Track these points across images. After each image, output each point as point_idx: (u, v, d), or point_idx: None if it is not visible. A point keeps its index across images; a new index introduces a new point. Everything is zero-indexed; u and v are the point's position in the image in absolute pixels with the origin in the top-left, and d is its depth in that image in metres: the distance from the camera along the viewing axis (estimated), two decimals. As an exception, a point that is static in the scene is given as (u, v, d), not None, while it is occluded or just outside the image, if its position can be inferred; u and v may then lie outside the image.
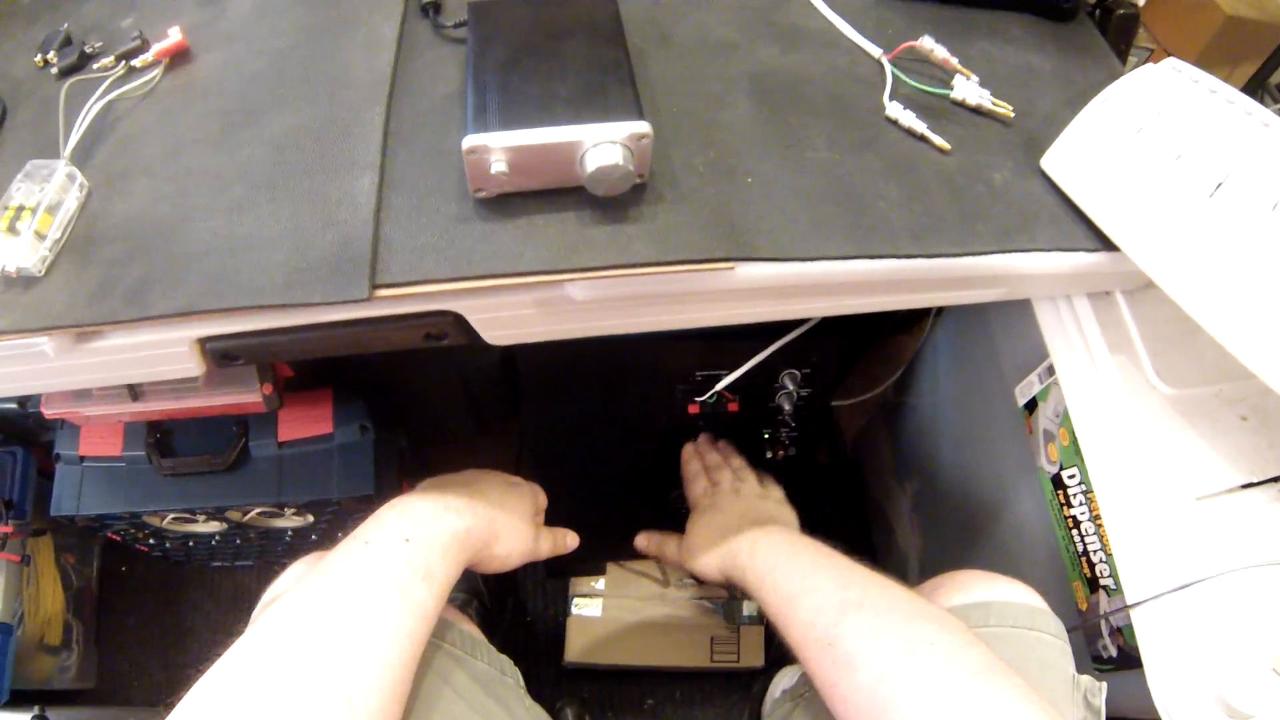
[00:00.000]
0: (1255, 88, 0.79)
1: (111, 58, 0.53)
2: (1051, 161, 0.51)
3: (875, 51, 0.53)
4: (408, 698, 0.41)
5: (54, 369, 0.45)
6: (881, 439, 1.02)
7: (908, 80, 0.52)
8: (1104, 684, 0.51)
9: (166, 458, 0.74)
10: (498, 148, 0.40)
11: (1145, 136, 0.51)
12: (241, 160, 0.48)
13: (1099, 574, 0.54)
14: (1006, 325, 0.65)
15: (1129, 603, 0.50)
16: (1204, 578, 0.48)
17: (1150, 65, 0.57)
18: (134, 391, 0.68)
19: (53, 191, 0.45)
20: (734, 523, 0.62)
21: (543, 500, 0.62)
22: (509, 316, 0.45)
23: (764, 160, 0.47)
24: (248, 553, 0.93)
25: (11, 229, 0.43)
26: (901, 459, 0.96)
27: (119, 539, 0.87)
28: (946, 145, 0.49)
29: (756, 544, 0.57)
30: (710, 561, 0.61)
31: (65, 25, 0.56)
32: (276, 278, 0.42)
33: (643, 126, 0.40)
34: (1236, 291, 0.48)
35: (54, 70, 0.55)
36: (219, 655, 0.38)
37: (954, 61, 0.52)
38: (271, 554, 0.94)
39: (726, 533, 0.61)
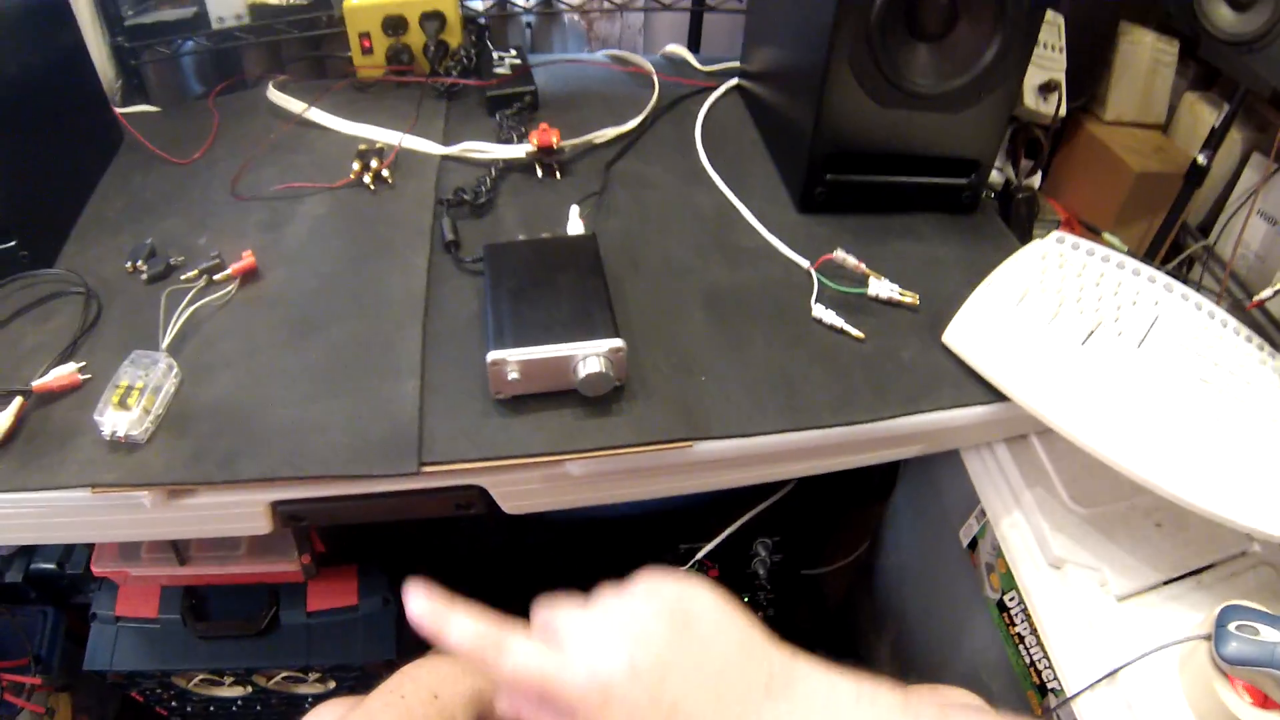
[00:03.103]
0: (1170, 229, 0.95)
1: (195, 271, 0.71)
2: (951, 336, 0.69)
3: (804, 263, 0.74)
4: None
5: (147, 519, 0.59)
6: (860, 599, 1.16)
7: (831, 284, 0.72)
8: None
9: (201, 621, 0.86)
10: (513, 360, 0.59)
11: (1026, 303, 0.69)
12: (306, 362, 0.65)
13: (1045, 679, 0.66)
14: (948, 480, 0.80)
15: (1068, 696, 0.62)
16: (1127, 662, 0.59)
17: (1036, 241, 0.75)
18: (180, 556, 0.82)
19: (155, 376, 0.60)
20: None
21: None
22: (523, 490, 0.63)
23: (715, 359, 0.66)
24: (268, 722, 1.05)
25: (122, 404, 0.58)
26: (878, 615, 1.09)
27: (141, 699, 0.96)
28: (861, 335, 0.68)
29: None
30: None
31: (150, 239, 0.74)
32: (341, 454, 0.59)
33: (617, 343, 0.60)
34: (1117, 420, 0.62)
35: (143, 276, 0.71)
36: None
37: (863, 267, 0.72)
38: (291, 723, 1.05)
39: None
